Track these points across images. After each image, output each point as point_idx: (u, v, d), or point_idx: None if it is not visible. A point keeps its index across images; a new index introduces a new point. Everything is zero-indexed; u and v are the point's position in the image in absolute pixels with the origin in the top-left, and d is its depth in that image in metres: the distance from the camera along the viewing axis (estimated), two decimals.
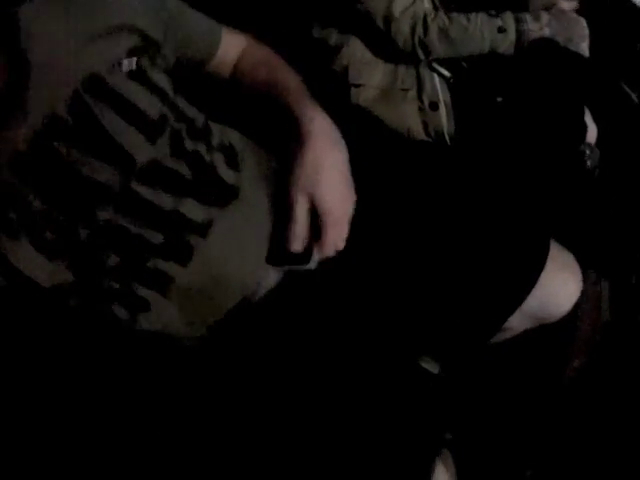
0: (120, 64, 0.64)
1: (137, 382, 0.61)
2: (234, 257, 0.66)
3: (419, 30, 1.24)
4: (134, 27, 0.66)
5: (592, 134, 1.45)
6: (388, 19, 1.24)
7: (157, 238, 0.62)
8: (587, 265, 1.82)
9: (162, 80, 0.67)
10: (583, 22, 1.35)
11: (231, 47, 0.82)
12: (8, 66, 0.57)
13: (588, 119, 1.46)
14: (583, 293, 1.84)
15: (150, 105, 0.64)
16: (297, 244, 0.64)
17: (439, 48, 1.26)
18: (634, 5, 2.08)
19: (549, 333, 1.59)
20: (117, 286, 0.61)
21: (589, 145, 1.28)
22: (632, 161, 1.80)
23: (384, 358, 0.76)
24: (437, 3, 1.32)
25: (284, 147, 0.68)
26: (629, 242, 1.88)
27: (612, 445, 1.35)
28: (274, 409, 0.62)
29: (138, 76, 0.65)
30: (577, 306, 1.77)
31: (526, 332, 1.36)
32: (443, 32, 1.25)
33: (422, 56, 1.26)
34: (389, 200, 0.87)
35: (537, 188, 1.09)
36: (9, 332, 0.59)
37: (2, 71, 0.57)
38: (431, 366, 0.85)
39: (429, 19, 1.25)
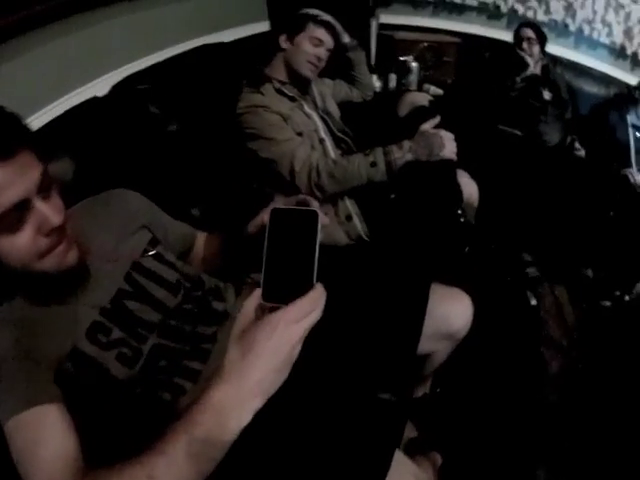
0: (147, 251, 0.98)
1: None
2: None
3: (314, 177, 1.49)
4: (149, 227, 1.02)
5: (472, 190, 1.78)
6: (292, 173, 1.52)
7: (186, 347, 0.92)
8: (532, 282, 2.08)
9: (172, 257, 1.03)
10: (440, 134, 1.53)
11: (199, 241, 1.17)
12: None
13: (466, 179, 1.77)
14: (541, 304, 2.09)
15: (169, 275, 0.98)
16: None
17: (329, 187, 1.50)
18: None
19: (522, 346, 1.83)
20: (165, 379, 0.89)
21: (462, 207, 1.57)
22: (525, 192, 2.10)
23: (352, 395, 1.07)
24: (322, 147, 1.66)
25: None
26: (571, 247, 2.14)
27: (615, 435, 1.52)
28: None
29: (159, 258, 0.99)
30: (540, 318, 2.03)
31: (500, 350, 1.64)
32: (330, 175, 1.49)
33: (319, 195, 1.50)
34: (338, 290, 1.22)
35: (422, 250, 1.40)
36: (97, 403, 0.83)
37: (75, 253, 0.81)
38: (386, 396, 1.19)
39: (320, 166, 1.50)
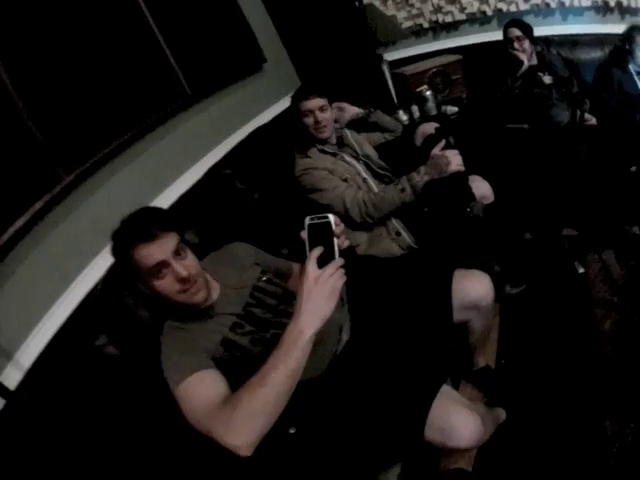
0: (261, 277, 1.45)
1: None
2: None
3: (363, 209, 1.93)
4: (258, 263, 1.49)
5: (484, 189, 2.16)
6: (346, 210, 1.94)
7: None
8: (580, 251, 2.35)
9: (276, 280, 1.48)
10: (445, 154, 1.94)
11: (295, 269, 1.56)
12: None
13: (478, 182, 2.16)
14: (590, 270, 2.30)
15: (276, 290, 1.44)
16: None
17: (376, 214, 1.93)
18: None
19: (573, 312, 2.08)
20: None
21: (474, 204, 1.97)
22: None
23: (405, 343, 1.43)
24: (366, 184, 2.07)
25: None
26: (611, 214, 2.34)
27: None
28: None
29: (269, 281, 1.45)
30: (588, 284, 2.24)
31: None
32: (374, 205, 1.92)
33: (370, 221, 1.95)
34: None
35: (446, 243, 1.83)
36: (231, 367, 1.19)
37: (203, 293, 1.26)
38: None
39: (366, 200, 1.92)
